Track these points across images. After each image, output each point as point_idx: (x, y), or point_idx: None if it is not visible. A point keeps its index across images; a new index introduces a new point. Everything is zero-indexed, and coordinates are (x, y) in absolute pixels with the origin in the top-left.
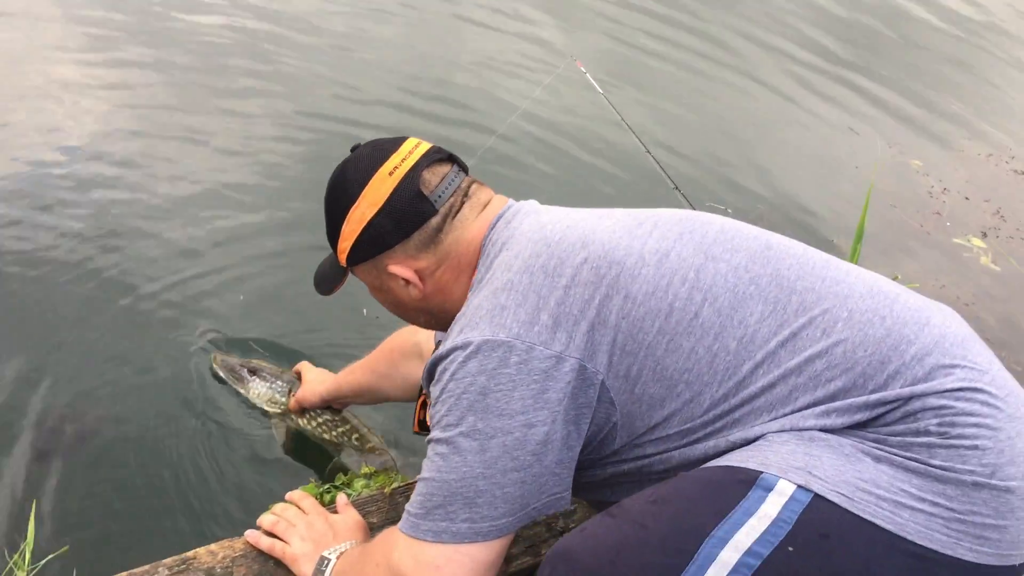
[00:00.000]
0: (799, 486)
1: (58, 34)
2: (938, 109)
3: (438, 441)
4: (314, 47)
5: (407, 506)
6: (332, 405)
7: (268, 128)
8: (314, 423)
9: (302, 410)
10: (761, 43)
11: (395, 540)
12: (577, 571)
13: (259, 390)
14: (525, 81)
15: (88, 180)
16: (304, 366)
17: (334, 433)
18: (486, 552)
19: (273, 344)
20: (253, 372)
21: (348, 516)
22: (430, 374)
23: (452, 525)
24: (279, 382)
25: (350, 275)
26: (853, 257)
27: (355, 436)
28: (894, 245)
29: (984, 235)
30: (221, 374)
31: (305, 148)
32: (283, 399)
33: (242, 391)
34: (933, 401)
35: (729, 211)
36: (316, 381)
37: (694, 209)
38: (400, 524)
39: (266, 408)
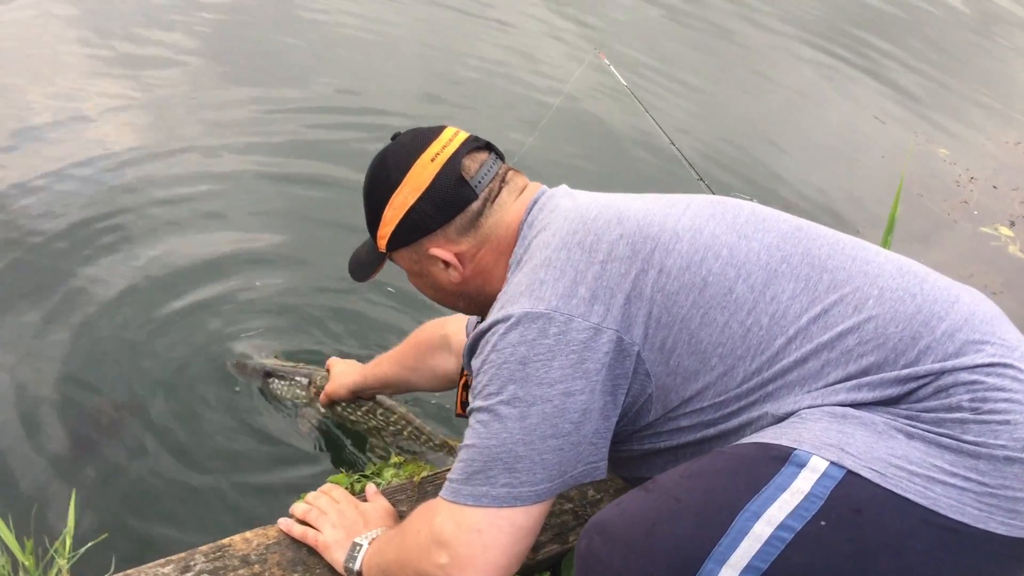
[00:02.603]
0: (832, 462)
1: (71, 27)
2: (965, 97)
3: (480, 410)
4: (326, 50)
5: (448, 474)
6: (360, 396)
7: (296, 125)
8: (355, 415)
9: (332, 402)
10: (786, 32)
11: (436, 507)
12: (613, 542)
13: (279, 391)
14: (550, 77)
15: (125, 176)
16: (333, 360)
17: (373, 422)
18: (525, 517)
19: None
20: (269, 375)
21: (378, 504)
22: (472, 348)
23: (492, 489)
24: (297, 378)
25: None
26: (884, 247)
27: (409, 429)
28: (921, 234)
29: (1012, 224)
30: (240, 379)
31: (330, 154)
32: (303, 394)
33: (263, 391)
34: (965, 376)
35: (755, 201)
36: (344, 374)
37: None
38: (442, 491)
39: (288, 404)
